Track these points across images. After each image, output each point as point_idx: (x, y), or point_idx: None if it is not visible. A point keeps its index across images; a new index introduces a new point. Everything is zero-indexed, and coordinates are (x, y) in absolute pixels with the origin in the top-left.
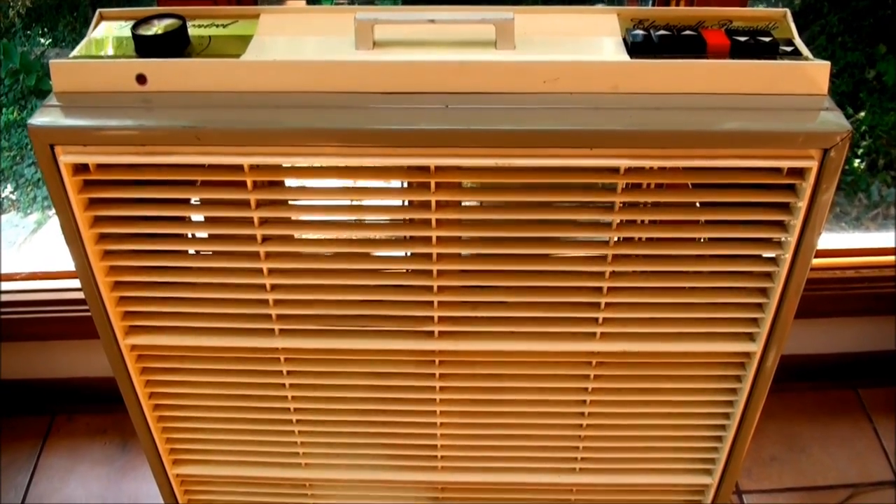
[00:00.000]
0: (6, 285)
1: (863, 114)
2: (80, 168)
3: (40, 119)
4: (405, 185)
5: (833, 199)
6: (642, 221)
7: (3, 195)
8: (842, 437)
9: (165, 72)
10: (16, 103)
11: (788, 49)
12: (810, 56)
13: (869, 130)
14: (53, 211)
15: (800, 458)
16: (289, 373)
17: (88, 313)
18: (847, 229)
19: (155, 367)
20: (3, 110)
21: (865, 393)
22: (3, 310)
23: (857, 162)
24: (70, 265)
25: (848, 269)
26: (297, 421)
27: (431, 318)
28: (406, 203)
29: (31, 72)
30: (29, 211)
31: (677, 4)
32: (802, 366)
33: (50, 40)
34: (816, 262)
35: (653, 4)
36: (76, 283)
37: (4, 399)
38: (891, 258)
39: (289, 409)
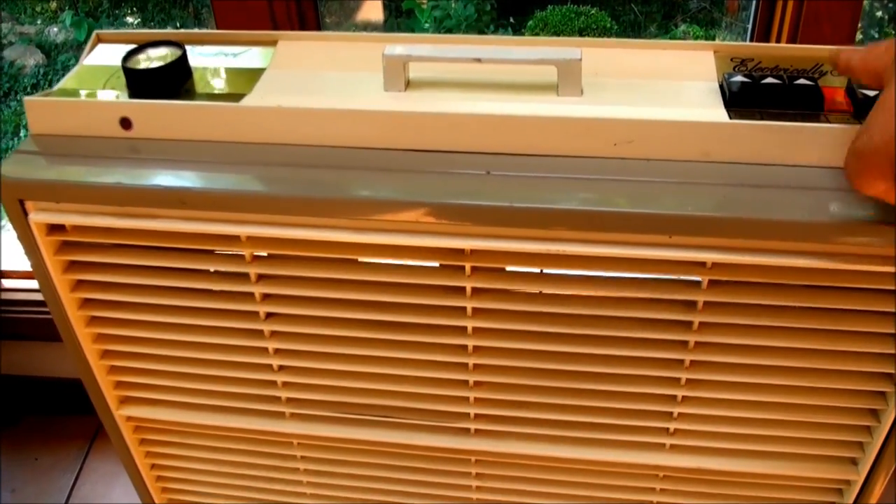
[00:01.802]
0: None
1: None
2: (56, 226)
3: (10, 169)
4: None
5: None
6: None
7: None
8: None
9: (152, 116)
10: None
11: None
12: None
13: None
14: None
15: None
16: (303, 458)
17: None
18: None
19: (155, 440)
20: None
21: None
22: None
23: None
24: None
25: None
26: None
27: (467, 414)
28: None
29: None
30: None
31: (778, 39)
32: None
33: (139, 20)
34: None
35: (750, 39)
36: None
37: (55, 397)
38: None
39: (305, 493)
